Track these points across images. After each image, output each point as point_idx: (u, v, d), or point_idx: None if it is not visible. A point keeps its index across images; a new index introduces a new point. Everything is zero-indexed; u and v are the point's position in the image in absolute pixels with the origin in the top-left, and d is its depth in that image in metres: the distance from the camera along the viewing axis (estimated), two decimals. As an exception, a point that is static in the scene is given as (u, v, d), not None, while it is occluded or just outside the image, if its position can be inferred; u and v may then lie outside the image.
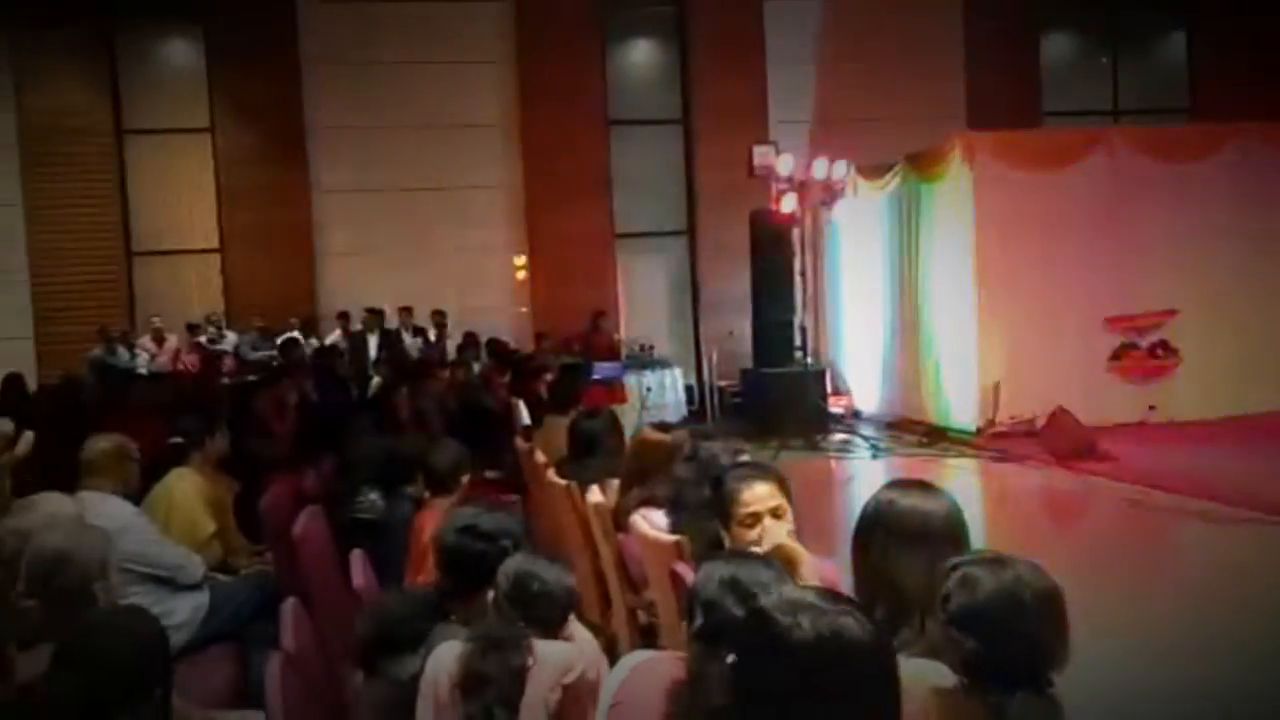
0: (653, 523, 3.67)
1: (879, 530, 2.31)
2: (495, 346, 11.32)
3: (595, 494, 4.23)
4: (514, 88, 13.73)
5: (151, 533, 4.34)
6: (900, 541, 2.27)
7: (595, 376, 11.52)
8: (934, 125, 12.71)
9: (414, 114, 13.31)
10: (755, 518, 2.89)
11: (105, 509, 4.14)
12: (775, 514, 2.88)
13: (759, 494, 2.90)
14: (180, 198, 13.27)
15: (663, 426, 4.15)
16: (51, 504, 3.59)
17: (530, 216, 13.77)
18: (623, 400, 11.62)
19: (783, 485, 2.96)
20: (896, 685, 1.56)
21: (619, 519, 4.03)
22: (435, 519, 4.01)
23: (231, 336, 12.43)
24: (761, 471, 3.05)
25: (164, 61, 13.30)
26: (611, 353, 12.95)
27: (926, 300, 11.46)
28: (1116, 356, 10.89)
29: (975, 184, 10.57)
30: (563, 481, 4.55)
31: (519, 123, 13.75)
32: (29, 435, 6.55)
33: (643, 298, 14.33)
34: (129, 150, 13.10)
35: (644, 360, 13.06)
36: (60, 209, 12.72)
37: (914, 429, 11.42)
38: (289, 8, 13.01)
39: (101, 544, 2.78)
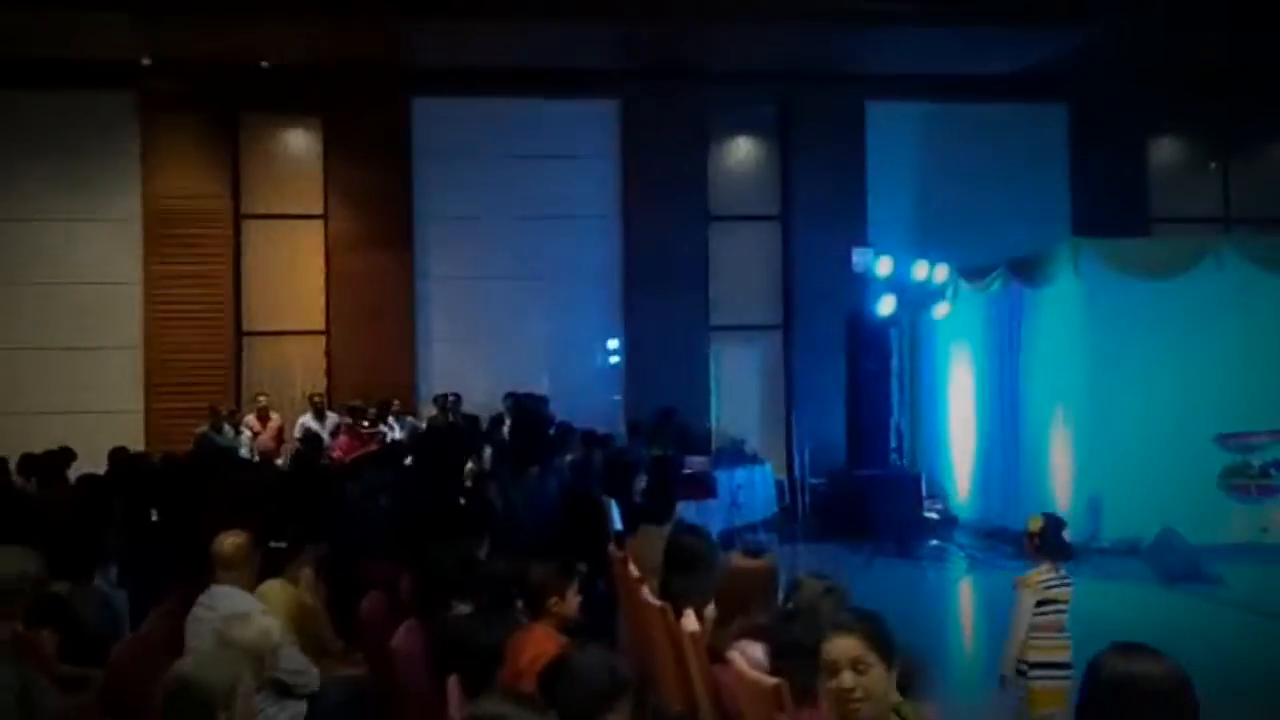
0: (751, 658, 3.60)
1: (1113, 704, 2.27)
2: (590, 438, 11.19)
3: (690, 620, 4.16)
4: (617, 181, 14.00)
5: (281, 633, 4.41)
6: (1134, 715, 2.24)
7: (685, 470, 11.48)
8: (1038, 228, 12.63)
9: (517, 205, 13.65)
10: (835, 666, 2.81)
11: (240, 605, 4.26)
12: (856, 668, 2.78)
13: (841, 646, 2.81)
14: (291, 280, 13.71)
15: (755, 550, 4.08)
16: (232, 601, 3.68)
17: (627, 306, 13.92)
18: (711, 496, 11.52)
19: (874, 637, 2.85)
20: None
21: (715, 648, 3.96)
22: (533, 643, 4.01)
23: (393, 422, 12.29)
24: (850, 622, 2.95)
25: (283, 150, 13.86)
26: (693, 445, 12.81)
27: (1027, 407, 11.21)
28: (1227, 474, 10.49)
29: (1082, 291, 10.38)
30: (657, 602, 4.50)
31: (620, 215, 13.99)
32: None
33: (735, 391, 14.29)
34: (245, 233, 13.62)
35: (735, 455, 12.96)
36: (176, 287, 13.23)
37: (1012, 539, 11.09)
38: (403, 102, 13.50)
39: (231, 673, 2.81)
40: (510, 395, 10.71)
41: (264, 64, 12.97)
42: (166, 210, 13.24)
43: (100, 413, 12.78)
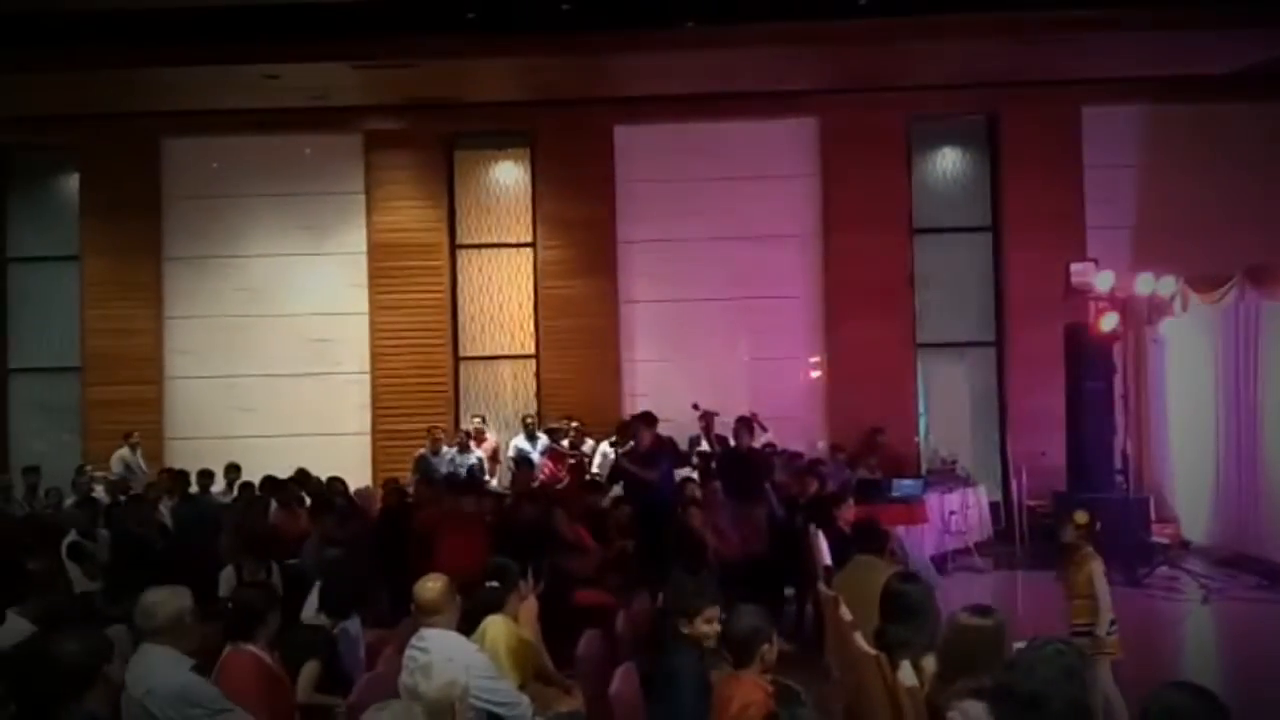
0: (972, 717, 3.50)
1: None
2: (791, 459, 11.11)
3: (908, 672, 4.08)
4: (817, 199, 13.87)
5: (490, 669, 4.60)
6: None
7: (894, 494, 11.22)
8: (1270, 234, 11.73)
9: (718, 226, 13.73)
10: None
11: (449, 645, 4.47)
12: None
13: None
14: (502, 307, 14.26)
15: (981, 610, 3.94)
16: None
17: (829, 325, 13.77)
18: (923, 520, 11.22)
19: None
20: None
21: (934, 704, 3.86)
22: (742, 691, 4.01)
23: (590, 443, 12.64)
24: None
25: (494, 182, 14.42)
26: (902, 466, 12.50)
27: (1269, 426, 10.43)
28: None
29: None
30: (872, 651, 4.43)
31: (821, 232, 13.86)
32: None
33: (945, 409, 13.88)
34: (460, 263, 14.25)
35: (946, 476, 12.59)
36: (398, 316, 13.97)
37: (1252, 568, 10.36)
38: (606, 131, 13.82)
39: None
40: (740, 419, 10.72)
41: (474, 100, 13.56)
42: (389, 243, 14.01)
43: (331, 435, 13.62)
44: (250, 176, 14.12)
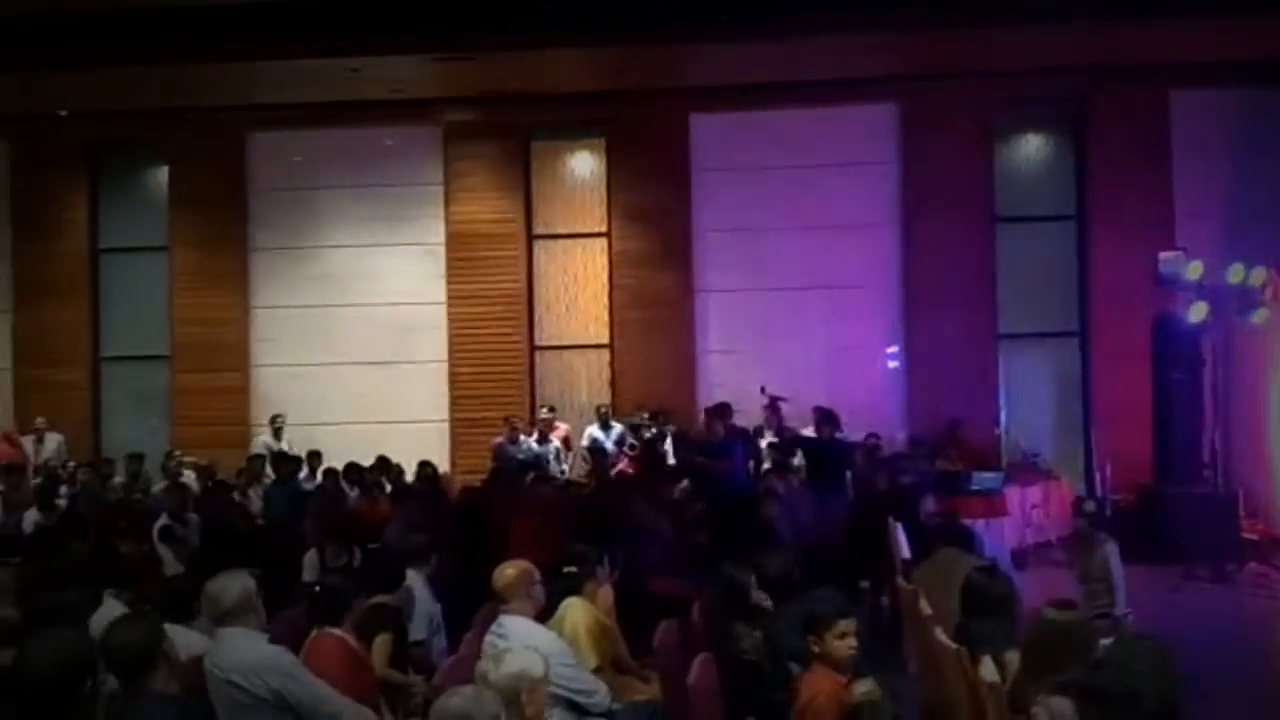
0: (1057, 714, 3.44)
1: None
2: (874, 456, 10.98)
3: (989, 668, 4.03)
4: (895, 187, 13.69)
5: (569, 656, 4.65)
6: None
7: (973, 487, 11.06)
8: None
9: (794, 215, 13.62)
10: None
11: (528, 632, 4.53)
12: None
13: None
14: (577, 297, 14.32)
15: (1066, 603, 3.88)
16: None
17: (908, 316, 13.59)
18: (1003, 513, 11.05)
19: None
20: None
21: (1018, 700, 3.81)
22: (810, 683, 3.98)
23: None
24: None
25: (570, 172, 14.48)
26: (982, 459, 12.27)
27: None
28: None
29: None
30: (953, 645, 4.38)
31: (900, 221, 13.68)
32: None
33: (1026, 401, 13.62)
34: (536, 252, 14.34)
35: (1027, 469, 12.37)
36: (475, 305, 14.12)
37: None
38: (682, 121, 13.78)
39: (495, 708, 3.02)
40: (818, 408, 10.64)
41: (550, 92, 13.62)
42: (466, 234, 14.15)
43: (410, 423, 13.81)
44: (331, 169, 14.36)
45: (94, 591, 4.92)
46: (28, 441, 13.44)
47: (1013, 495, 11.34)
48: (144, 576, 5.74)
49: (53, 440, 13.50)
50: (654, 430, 12.22)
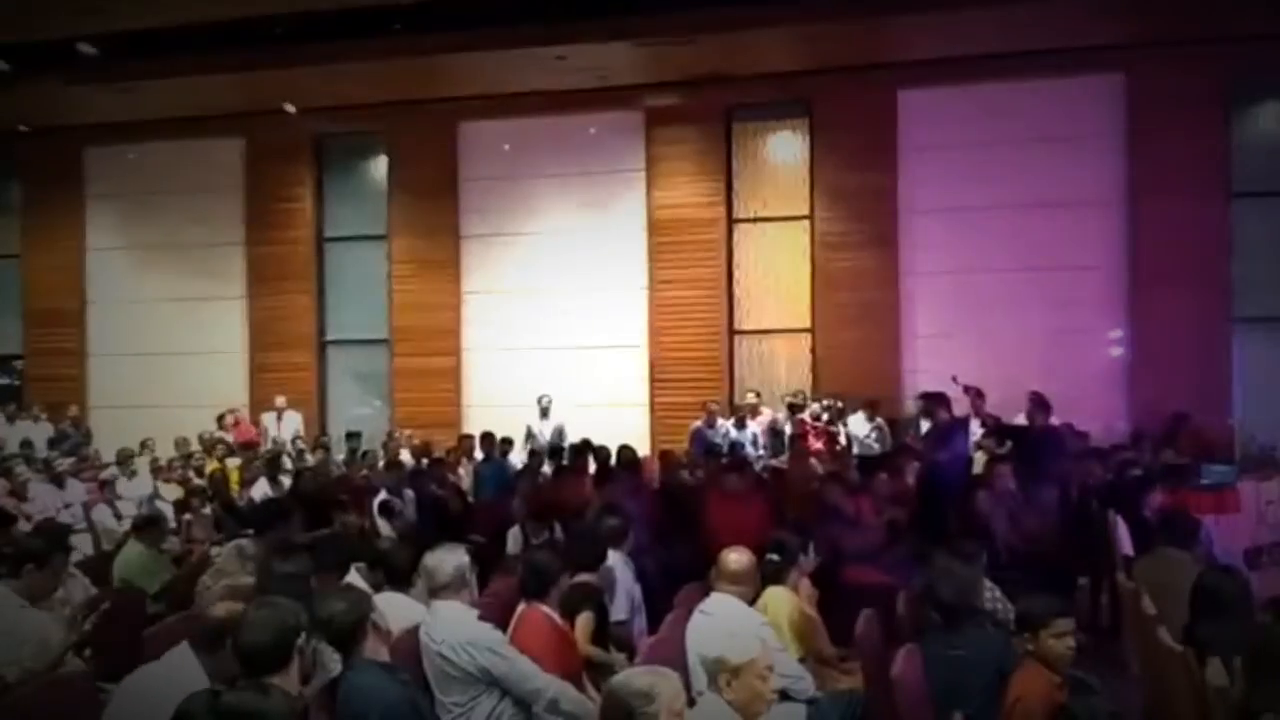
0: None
1: None
2: (1090, 448, 10.35)
3: (1217, 671, 3.73)
4: (1121, 161, 12.90)
5: (775, 641, 4.64)
6: None
7: (1203, 480, 10.33)
8: None
9: (1009, 193, 13.06)
10: None
11: (736, 613, 4.57)
12: None
13: None
14: (778, 281, 14.17)
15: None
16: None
17: (1133, 299, 12.80)
18: (1234, 509, 10.25)
19: None
20: None
21: (1246, 707, 3.51)
22: (1021, 681, 3.80)
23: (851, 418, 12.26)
24: None
25: (772, 154, 14.33)
26: (1213, 451, 11.40)
27: None
28: None
29: None
30: (1178, 647, 4.08)
31: (1127, 198, 12.88)
32: None
33: (1263, 390, 12.58)
34: (736, 237, 14.28)
35: (1263, 463, 11.44)
36: (675, 290, 14.20)
37: None
38: (889, 97, 13.40)
39: (677, 686, 3.02)
40: (1033, 394, 10.18)
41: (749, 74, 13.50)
42: (667, 219, 14.24)
43: (612, 406, 14.04)
44: (538, 156, 14.73)
45: (340, 565, 5.29)
46: (270, 418, 14.45)
47: (1247, 490, 10.48)
48: (363, 549, 6.02)
49: (293, 418, 14.45)
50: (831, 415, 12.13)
